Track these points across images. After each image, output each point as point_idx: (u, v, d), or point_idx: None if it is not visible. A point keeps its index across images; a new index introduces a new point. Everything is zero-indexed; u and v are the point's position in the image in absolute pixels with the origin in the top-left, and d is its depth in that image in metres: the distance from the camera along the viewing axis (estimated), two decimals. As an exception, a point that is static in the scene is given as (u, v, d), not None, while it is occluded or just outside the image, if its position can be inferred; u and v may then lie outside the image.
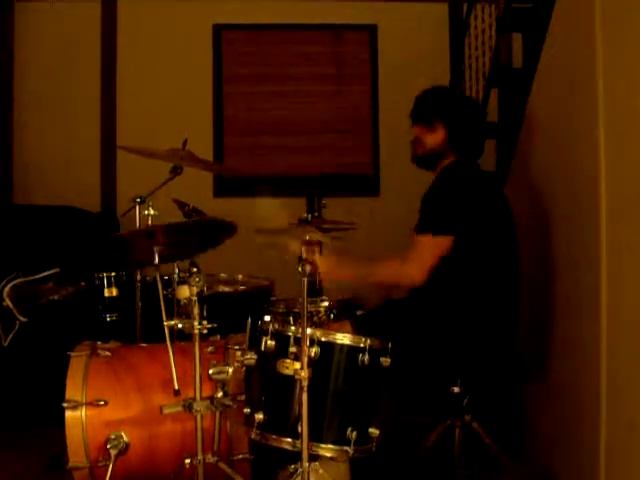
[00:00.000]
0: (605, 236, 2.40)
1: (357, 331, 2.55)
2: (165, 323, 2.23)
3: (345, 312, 2.93)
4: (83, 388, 2.34)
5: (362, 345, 2.17)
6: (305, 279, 2.07)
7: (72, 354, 2.43)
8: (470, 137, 2.83)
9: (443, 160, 2.82)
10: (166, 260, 2.42)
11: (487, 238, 2.67)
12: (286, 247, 2.52)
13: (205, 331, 2.23)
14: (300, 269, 2.07)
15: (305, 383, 2.02)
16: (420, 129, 2.84)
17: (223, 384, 2.23)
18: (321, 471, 2.15)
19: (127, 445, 2.32)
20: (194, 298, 2.19)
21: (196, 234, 2.49)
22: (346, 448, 2.14)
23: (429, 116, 2.82)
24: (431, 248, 2.62)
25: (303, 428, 2.03)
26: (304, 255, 2.29)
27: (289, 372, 2.11)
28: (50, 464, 2.89)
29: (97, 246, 2.40)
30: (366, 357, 2.16)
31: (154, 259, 2.33)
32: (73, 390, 2.34)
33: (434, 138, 2.81)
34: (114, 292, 3.23)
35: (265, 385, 2.21)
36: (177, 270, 2.73)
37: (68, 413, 2.32)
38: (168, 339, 2.23)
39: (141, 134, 4.83)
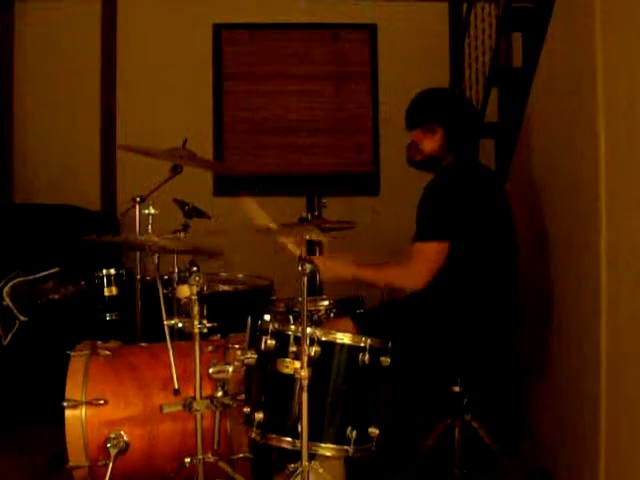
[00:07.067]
0: (605, 235, 2.39)
1: (358, 327, 2.55)
2: (165, 322, 2.23)
3: (345, 311, 2.93)
4: (83, 387, 2.34)
5: (362, 344, 2.17)
6: (305, 278, 2.07)
7: (72, 353, 2.43)
8: (467, 139, 2.81)
9: (442, 162, 2.81)
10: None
11: (486, 238, 2.67)
12: (279, 244, 2.51)
13: (205, 330, 2.23)
14: (300, 268, 2.07)
15: (305, 382, 2.02)
16: (418, 134, 2.81)
17: (223, 383, 2.23)
18: (321, 470, 2.15)
19: (127, 444, 2.32)
20: (194, 297, 2.19)
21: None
22: (346, 447, 2.14)
23: (428, 120, 2.78)
24: (435, 254, 2.61)
25: (303, 427, 2.03)
26: (303, 254, 2.28)
27: (289, 371, 2.11)
28: (50, 463, 2.89)
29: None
30: (366, 356, 2.16)
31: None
32: (73, 389, 2.34)
33: (432, 143, 2.78)
34: (114, 291, 3.22)
35: (265, 384, 2.20)
36: (177, 269, 2.73)
37: (68, 412, 2.32)
38: (168, 338, 2.24)
39: (141, 133, 4.82)
